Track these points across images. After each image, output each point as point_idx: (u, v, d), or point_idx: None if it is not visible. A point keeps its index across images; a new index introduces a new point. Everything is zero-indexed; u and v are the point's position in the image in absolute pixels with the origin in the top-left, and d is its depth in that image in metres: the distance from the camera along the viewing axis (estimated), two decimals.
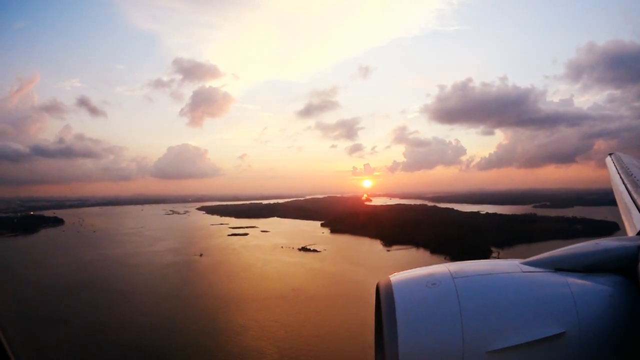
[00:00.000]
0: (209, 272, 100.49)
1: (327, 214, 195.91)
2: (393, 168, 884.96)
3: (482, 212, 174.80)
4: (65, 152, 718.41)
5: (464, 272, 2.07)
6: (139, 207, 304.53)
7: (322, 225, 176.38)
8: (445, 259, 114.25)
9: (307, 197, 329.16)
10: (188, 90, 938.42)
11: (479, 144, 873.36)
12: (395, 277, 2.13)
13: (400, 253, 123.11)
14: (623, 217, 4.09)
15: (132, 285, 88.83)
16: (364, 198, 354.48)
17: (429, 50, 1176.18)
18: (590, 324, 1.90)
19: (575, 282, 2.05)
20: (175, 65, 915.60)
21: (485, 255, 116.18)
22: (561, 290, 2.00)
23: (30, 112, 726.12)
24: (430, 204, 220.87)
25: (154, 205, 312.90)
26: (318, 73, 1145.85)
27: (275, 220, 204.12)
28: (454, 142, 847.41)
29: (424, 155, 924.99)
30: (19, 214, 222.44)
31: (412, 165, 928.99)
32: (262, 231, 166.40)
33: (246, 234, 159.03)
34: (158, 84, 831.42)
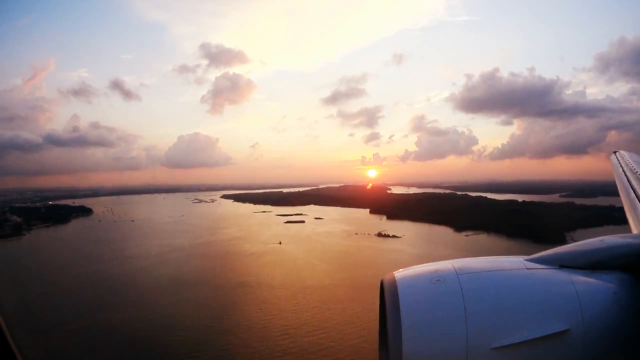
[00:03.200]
0: (312, 260, 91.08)
1: (365, 202, 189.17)
2: (405, 157, 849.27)
3: (519, 200, 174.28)
4: (79, 140, 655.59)
5: (469, 269, 2.00)
6: (156, 195, 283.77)
7: (370, 212, 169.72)
8: (526, 243, 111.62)
9: (321, 187, 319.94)
10: (212, 76, 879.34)
11: (497, 133, 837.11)
12: (400, 273, 2.06)
13: (479, 238, 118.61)
14: (628, 214, 3.93)
15: (248, 277, 78.14)
16: (369, 187, 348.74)
17: (441, 42, 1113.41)
18: (594, 322, 1.84)
19: (580, 279, 1.98)
20: (202, 50, 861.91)
21: (562, 239, 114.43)
22: (565, 287, 1.93)
23: (41, 101, 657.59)
24: (459, 193, 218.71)
25: (172, 194, 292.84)
26: (326, 64, 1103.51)
27: (314, 208, 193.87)
28: (466, 132, 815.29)
29: (436, 144, 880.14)
30: (37, 204, 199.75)
31: (424, 154, 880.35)
32: (315, 218, 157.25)
33: (303, 222, 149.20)
34: (183, 69, 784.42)
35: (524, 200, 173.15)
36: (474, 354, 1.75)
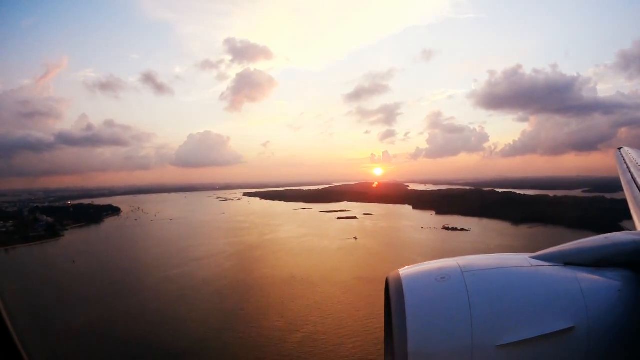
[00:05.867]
0: (407, 255, 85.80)
1: (401, 198, 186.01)
2: (416, 155, 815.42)
3: (550, 195, 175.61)
4: (92, 139, 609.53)
5: (474, 266, 1.96)
6: (172, 194, 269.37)
7: (413, 208, 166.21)
8: (589, 233, 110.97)
9: (337, 184, 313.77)
10: (233, 72, 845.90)
11: (511, 130, 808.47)
12: (405, 271, 2.01)
13: (542, 230, 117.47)
14: (632, 211, 3.93)
15: (361, 272, 71.95)
16: (374, 186, 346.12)
17: (449, 39, 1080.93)
18: (599, 319, 1.82)
19: (585, 276, 1.95)
20: (227, 45, 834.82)
21: (618, 228, 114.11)
22: (570, 284, 1.90)
23: (51, 101, 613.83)
24: (486, 189, 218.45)
25: (191, 193, 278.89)
26: (334, 62, 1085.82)
27: (350, 204, 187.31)
28: (478, 129, 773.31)
29: (448, 141, 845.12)
30: (57, 204, 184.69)
31: (435, 152, 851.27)
32: (364, 214, 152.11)
33: (355, 217, 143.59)
34: (206, 65, 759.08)
35: (555, 196, 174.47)
36: (479, 352, 1.72)
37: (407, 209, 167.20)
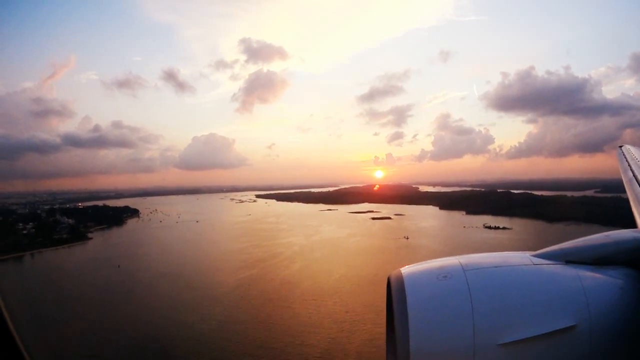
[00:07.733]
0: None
1: (423, 199, 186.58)
2: (421, 157, 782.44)
3: (568, 195, 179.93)
4: (99, 141, 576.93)
5: (475, 265, 1.95)
6: (181, 197, 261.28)
7: (440, 208, 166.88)
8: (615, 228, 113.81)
9: (346, 186, 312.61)
10: (246, 73, 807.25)
11: (518, 132, 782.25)
12: (407, 269, 2.02)
13: (578, 228, 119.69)
14: (634, 209, 3.92)
15: None
16: (382, 187, 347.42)
17: (451, 41, 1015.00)
18: (601, 317, 1.82)
19: (586, 274, 1.95)
20: (242, 45, 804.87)
21: None
22: (572, 282, 1.90)
23: (55, 102, 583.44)
24: (500, 190, 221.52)
25: (202, 195, 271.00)
26: (337, 64, 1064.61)
27: (372, 205, 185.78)
28: (483, 131, 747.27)
29: (454, 143, 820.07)
30: (68, 205, 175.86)
31: (440, 154, 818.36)
32: (396, 214, 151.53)
33: (389, 218, 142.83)
34: (219, 65, 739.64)
35: (572, 195, 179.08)
36: (481, 350, 1.72)
37: (433, 209, 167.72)
